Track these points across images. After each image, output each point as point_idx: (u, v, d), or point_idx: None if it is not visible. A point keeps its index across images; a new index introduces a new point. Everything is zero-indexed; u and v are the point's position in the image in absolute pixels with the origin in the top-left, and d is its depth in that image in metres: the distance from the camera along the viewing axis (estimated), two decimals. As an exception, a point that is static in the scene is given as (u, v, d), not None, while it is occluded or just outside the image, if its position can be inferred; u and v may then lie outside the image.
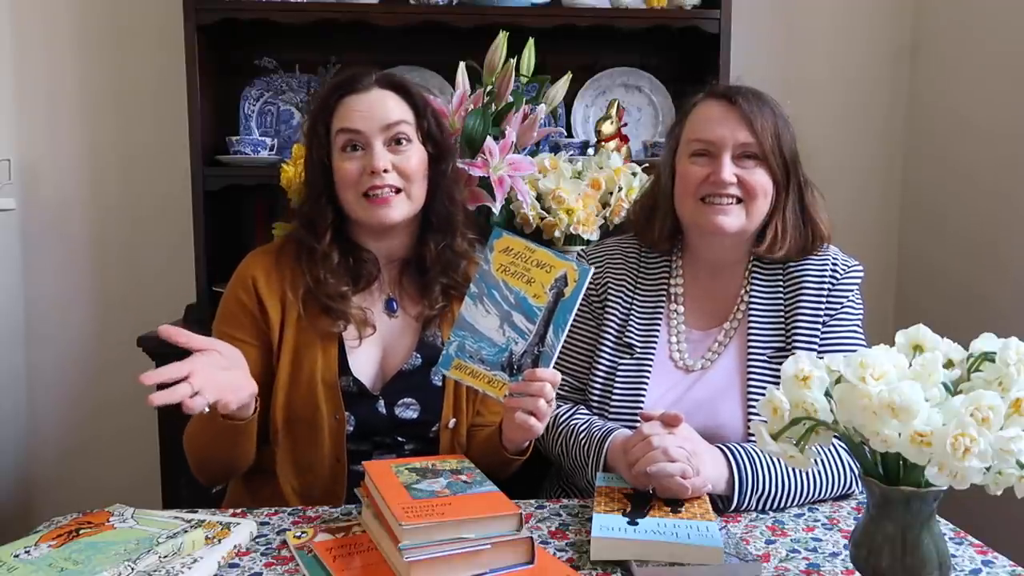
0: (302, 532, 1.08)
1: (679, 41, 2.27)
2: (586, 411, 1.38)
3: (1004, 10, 2.09)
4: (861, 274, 1.37)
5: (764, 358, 1.32)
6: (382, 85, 1.34)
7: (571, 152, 2.11)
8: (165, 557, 0.98)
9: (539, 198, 1.81)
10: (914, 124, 2.47)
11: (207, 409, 1.03)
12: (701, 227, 1.35)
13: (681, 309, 1.40)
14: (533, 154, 1.91)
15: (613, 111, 2.06)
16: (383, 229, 1.33)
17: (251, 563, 1.02)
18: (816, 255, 1.37)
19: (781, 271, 1.38)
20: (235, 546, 1.04)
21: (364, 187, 1.29)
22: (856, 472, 1.22)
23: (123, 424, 2.31)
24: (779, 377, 0.91)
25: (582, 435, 1.29)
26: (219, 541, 1.04)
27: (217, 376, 1.07)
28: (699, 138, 1.34)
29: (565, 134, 2.25)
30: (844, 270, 1.36)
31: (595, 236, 1.81)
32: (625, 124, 2.12)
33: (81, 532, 1.02)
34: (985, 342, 0.88)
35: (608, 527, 1.04)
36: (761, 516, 1.18)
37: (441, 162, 1.37)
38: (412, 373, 1.34)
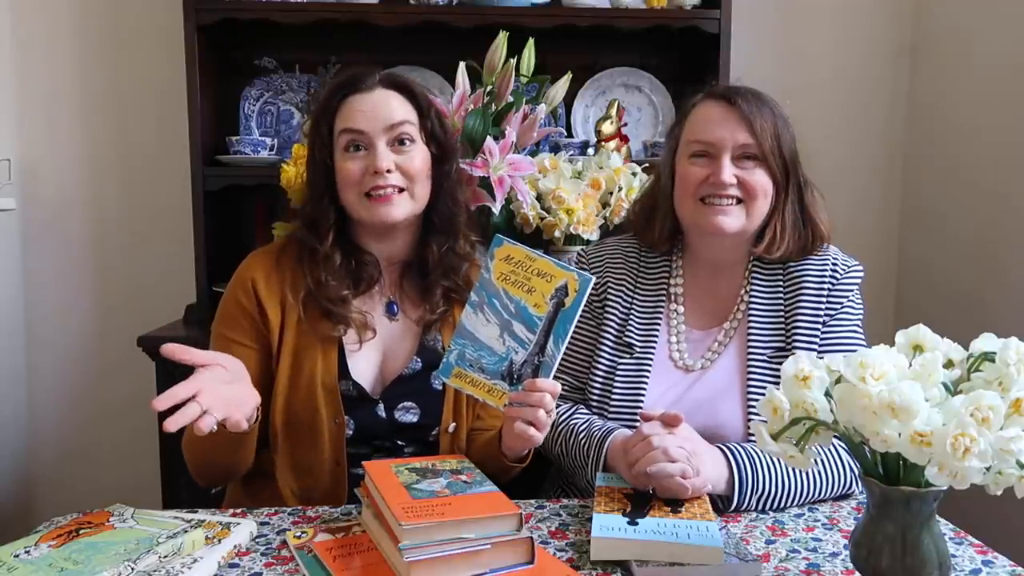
0: (302, 532, 1.08)
1: (679, 41, 2.28)
2: (586, 411, 1.38)
3: (1004, 11, 2.09)
4: (861, 274, 1.37)
5: (764, 358, 1.32)
6: (386, 85, 1.34)
7: (571, 152, 2.11)
8: (165, 557, 0.98)
9: (539, 198, 1.81)
10: (914, 124, 2.47)
11: (215, 428, 1.03)
12: (701, 227, 1.35)
13: (681, 309, 1.40)
14: (533, 154, 1.91)
15: (613, 111, 2.07)
16: (385, 229, 1.33)
17: (251, 563, 1.02)
18: (816, 255, 1.37)
19: (781, 271, 1.38)
20: (235, 546, 1.04)
21: (366, 187, 1.29)
22: (856, 472, 1.22)
23: (123, 424, 2.31)
24: (779, 377, 0.91)
25: (582, 435, 1.29)
26: (219, 541, 1.04)
27: (223, 392, 1.06)
28: (699, 139, 1.34)
29: (565, 134, 2.25)
30: (844, 270, 1.36)
31: (595, 236, 1.81)
32: (625, 124, 2.13)
33: (81, 532, 1.02)
34: (985, 342, 0.88)
35: (608, 527, 1.04)
36: (761, 516, 1.18)
37: (444, 163, 1.37)
38: (412, 377, 1.34)
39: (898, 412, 0.80)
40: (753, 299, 1.36)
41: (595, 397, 1.37)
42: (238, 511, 1.18)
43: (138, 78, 2.28)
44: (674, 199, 1.38)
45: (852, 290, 1.36)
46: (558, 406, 1.36)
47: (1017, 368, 0.83)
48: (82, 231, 2.32)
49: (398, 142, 1.31)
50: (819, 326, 1.32)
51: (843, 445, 1.17)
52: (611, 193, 1.84)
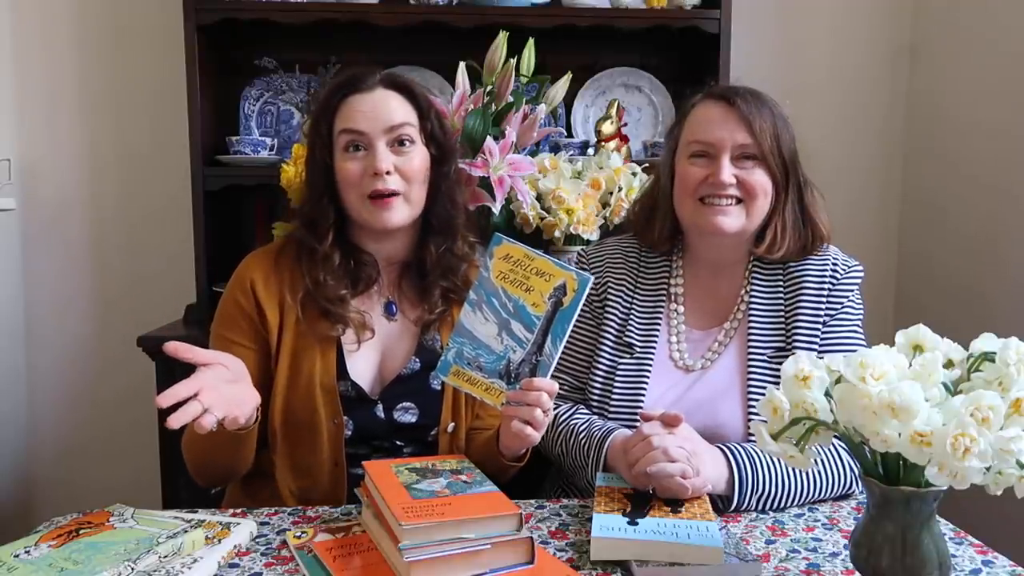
0: (302, 532, 1.08)
1: (679, 41, 2.28)
2: (586, 411, 1.38)
3: (1002, 10, 2.09)
4: (861, 274, 1.37)
5: (764, 358, 1.32)
6: (386, 85, 1.33)
7: (571, 152, 2.11)
8: (165, 557, 0.98)
9: (539, 198, 1.81)
10: (913, 124, 2.47)
11: (215, 427, 1.03)
12: (701, 228, 1.35)
13: (681, 309, 1.40)
14: (533, 154, 1.91)
15: (613, 111, 2.07)
16: (384, 232, 1.33)
17: (251, 563, 1.02)
18: (816, 255, 1.37)
19: (781, 271, 1.38)
20: (235, 546, 1.04)
21: (367, 189, 1.29)
22: (856, 472, 1.22)
23: (123, 424, 2.31)
24: (779, 377, 0.91)
25: (582, 435, 1.29)
26: (219, 541, 1.04)
27: (224, 391, 1.07)
28: (698, 139, 1.34)
29: (565, 134, 2.25)
30: (844, 270, 1.36)
31: (595, 236, 1.81)
32: (625, 124, 2.13)
33: (81, 532, 1.02)
34: (985, 342, 0.88)
35: (608, 527, 1.04)
36: (761, 516, 1.18)
37: (443, 164, 1.36)
38: (411, 377, 1.34)
39: (898, 412, 0.80)
40: (753, 299, 1.36)
41: (595, 397, 1.37)
42: (238, 511, 1.18)
43: (138, 78, 2.28)
44: (674, 199, 1.38)
45: (852, 290, 1.36)
46: (558, 406, 1.36)
47: (1017, 368, 0.83)
48: (82, 231, 2.32)
49: (398, 143, 1.31)
50: (819, 326, 1.32)
51: (843, 445, 1.17)
52: (611, 193, 1.84)
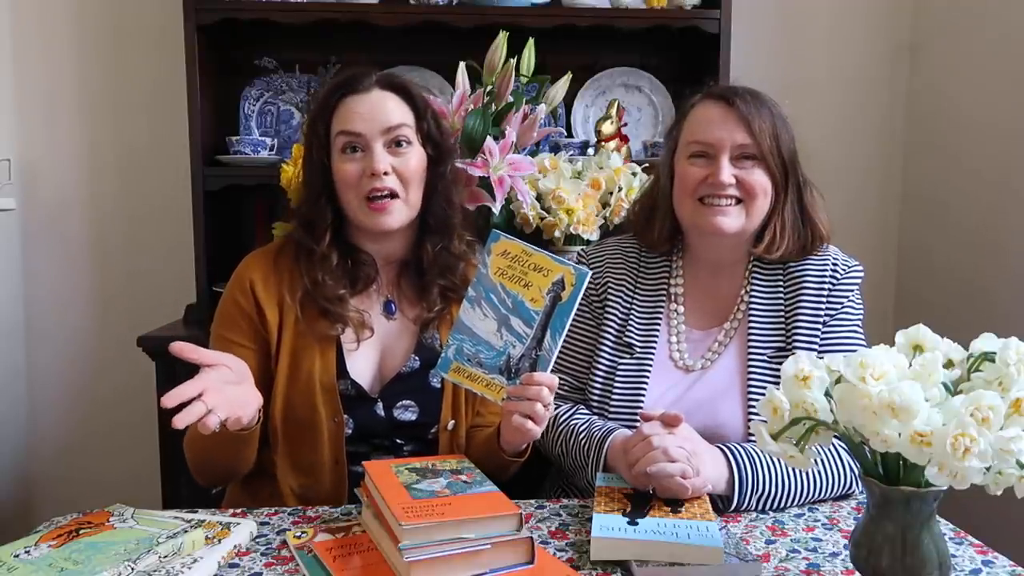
0: (302, 532, 1.08)
1: (679, 41, 2.28)
2: (586, 411, 1.38)
3: (1003, 9, 2.10)
4: (861, 274, 1.37)
5: (764, 358, 1.32)
6: (383, 86, 1.34)
7: (571, 152, 2.11)
8: (165, 557, 0.98)
9: (539, 198, 1.81)
10: (913, 123, 2.47)
11: (218, 428, 1.04)
12: (700, 228, 1.35)
13: (681, 309, 1.40)
14: (533, 154, 1.91)
15: (613, 111, 2.06)
16: (382, 233, 1.33)
17: (251, 563, 1.02)
18: (816, 255, 1.37)
19: (781, 271, 1.38)
20: (235, 546, 1.04)
21: (365, 189, 1.29)
22: (856, 472, 1.22)
23: (123, 423, 2.31)
24: (779, 377, 0.91)
25: (582, 435, 1.29)
26: (219, 541, 1.04)
27: (227, 392, 1.07)
28: (697, 140, 1.34)
29: (565, 134, 2.25)
30: (844, 270, 1.36)
31: (595, 236, 1.81)
32: (625, 124, 2.12)
33: (81, 532, 1.02)
34: (985, 342, 0.88)
35: (608, 527, 1.04)
36: (761, 516, 1.18)
37: (440, 164, 1.37)
38: (410, 375, 1.34)
39: (898, 412, 0.80)
40: (753, 299, 1.36)
41: (595, 397, 1.37)
42: (238, 511, 1.18)
43: (138, 78, 2.28)
44: (673, 199, 1.38)
45: (852, 290, 1.36)
46: (558, 406, 1.36)
47: (1017, 368, 0.83)
48: (82, 231, 2.32)
49: (394, 144, 1.31)
50: (819, 326, 1.32)
51: (843, 445, 1.17)
52: (611, 193, 1.84)
